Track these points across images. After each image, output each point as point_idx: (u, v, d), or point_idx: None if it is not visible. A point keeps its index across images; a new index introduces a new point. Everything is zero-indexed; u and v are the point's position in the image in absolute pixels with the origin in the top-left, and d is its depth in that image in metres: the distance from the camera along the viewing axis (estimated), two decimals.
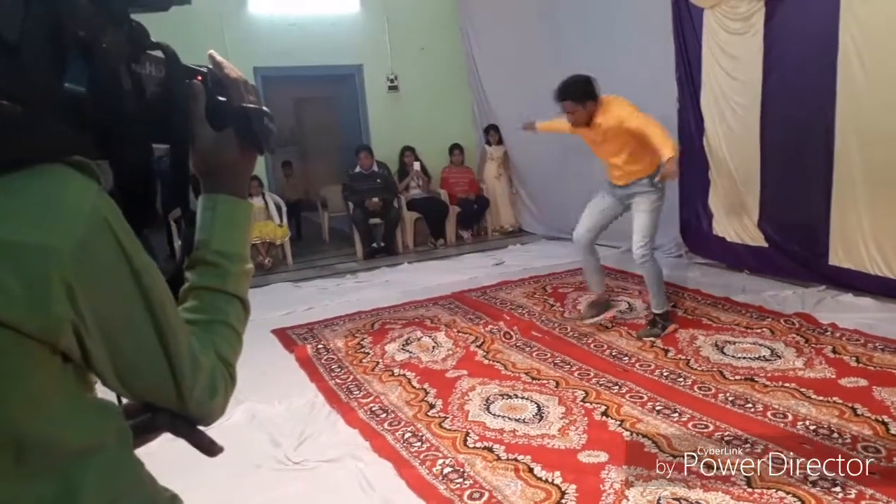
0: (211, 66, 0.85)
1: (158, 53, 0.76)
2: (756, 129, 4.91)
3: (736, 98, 5.03)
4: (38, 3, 0.59)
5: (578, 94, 3.83)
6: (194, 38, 6.13)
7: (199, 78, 0.82)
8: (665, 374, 3.44)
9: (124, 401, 0.75)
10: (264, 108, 0.86)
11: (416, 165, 7.46)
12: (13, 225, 0.57)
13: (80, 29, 0.62)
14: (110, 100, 0.65)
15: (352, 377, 3.72)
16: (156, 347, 0.68)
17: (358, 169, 7.09)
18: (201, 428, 0.78)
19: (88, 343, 0.63)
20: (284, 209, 7.02)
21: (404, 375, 3.69)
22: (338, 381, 3.68)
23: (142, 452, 0.77)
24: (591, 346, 3.94)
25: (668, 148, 3.62)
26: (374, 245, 6.99)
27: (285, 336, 4.50)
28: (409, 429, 3.05)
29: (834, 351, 3.51)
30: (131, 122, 0.69)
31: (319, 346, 4.24)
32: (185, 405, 0.73)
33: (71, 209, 0.61)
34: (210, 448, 0.79)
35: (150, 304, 0.67)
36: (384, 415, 3.22)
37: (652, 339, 3.90)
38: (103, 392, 0.72)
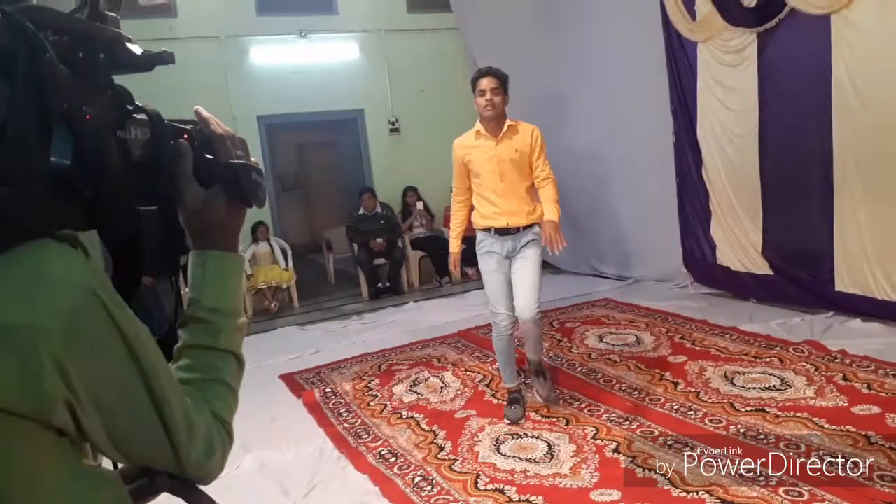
0: (197, 122, 0.84)
1: (143, 115, 0.75)
2: (755, 158, 4.95)
3: (733, 129, 5.08)
4: (22, 80, 0.59)
5: (505, 80, 3.39)
6: (198, 90, 6.26)
7: (186, 136, 0.81)
8: (675, 407, 3.41)
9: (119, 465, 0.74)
10: (253, 160, 0.86)
11: (419, 205, 7.53)
12: (1, 306, 0.57)
13: (64, 101, 0.62)
14: (97, 169, 0.64)
15: (360, 421, 3.70)
16: (151, 415, 0.67)
17: (362, 210, 7.15)
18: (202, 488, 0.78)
19: (82, 417, 0.62)
20: (290, 253, 7.06)
21: (413, 417, 3.67)
22: (346, 425, 3.66)
23: None
24: (601, 381, 3.91)
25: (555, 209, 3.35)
26: (380, 285, 7.01)
27: (293, 381, 4.49)
28: (419, 472, 3.03)
29: (845, 378, 3.48)
30: (118, 188, 0.68)
31: (327, 390, 4.23)
32: (183, 468, 0.72)
33: (58, 285, 0.60)
34: None
35: (143, 372, 0.66)
36: (393, 459, 3.20)
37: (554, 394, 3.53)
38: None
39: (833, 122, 4.34)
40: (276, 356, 5.00)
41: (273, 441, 3.46)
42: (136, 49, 0.74)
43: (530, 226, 3.39)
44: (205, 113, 0.85)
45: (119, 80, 0.75)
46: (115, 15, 0.73)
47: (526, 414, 3.52)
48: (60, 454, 0.63)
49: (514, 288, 3.40)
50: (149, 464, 0.73)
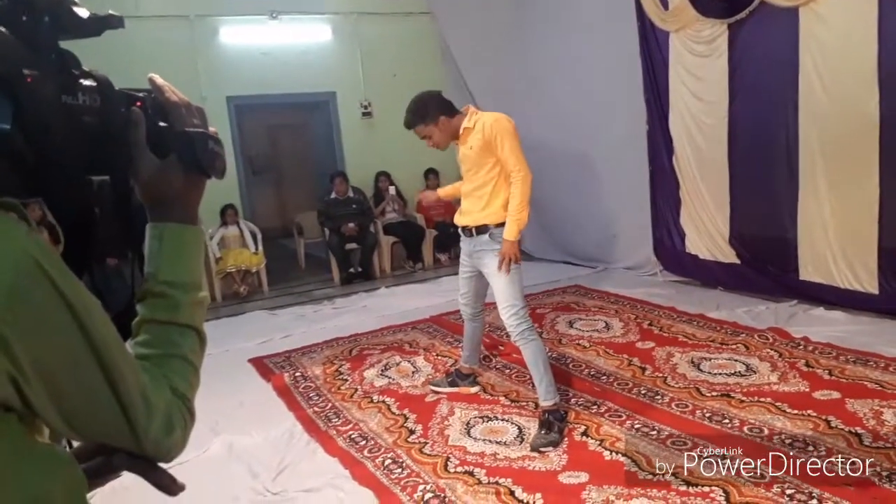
0: (151, 91, 0.81)
1: (91, 81, 0.72)
2: (724, 148, 5.02)
3: (703, 119, 5.14)
4: None
5: (423, 114, 3.22)
6: (166, 69, 6.09)
7: (139, 104, 0.78)
8: (643, 391, 3.46)
9: (74, 443, 0.72)
10: (211, 129, 0.83)
11: (392, 190, 7.50)
12: None
13: (2, 64, 0.60)
14: (40, 135, 0.62)
15: (330, 405, 3.69)
16: (104, 390, 0.65)
17: (333, 195, 7.10)
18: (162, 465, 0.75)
19: (28, 392, 0.59)
20: (260, 236, 6.98)
21: (383, 401, 3.66)
22: (316, 409, 3.65)
23: (117, 487, 0.75)
24: (570, 365, 3.95)
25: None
26: (352, 270, 6.98)
27: (262, 365, 4.45)
28: (389, 455, 3.03)
29: (807, 364, 3.56)
30: (64, 156, 0.66)
31: (297, 374, 4.21)
32: (141, 445, 0.69)
33: None
34: (171, 487, 0.75)
35: (94, 345, 0.63)
36: (364, 442, 3.20)
37: (551, 447, 2.94)
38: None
39: (800, 113, 4.42)
40: (246, 340, 4.95)
41: (242, 424, 3.43)
42: (83, 12, 0.71)
43: (484, 229, 3.20)
44: (160, 81, 0.82)
45: (84, 53, 0.72)
46: None
47: (469, 387, 3.68)
48: (6, 430, 0.61)
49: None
50: (105, 441, 0.70)
